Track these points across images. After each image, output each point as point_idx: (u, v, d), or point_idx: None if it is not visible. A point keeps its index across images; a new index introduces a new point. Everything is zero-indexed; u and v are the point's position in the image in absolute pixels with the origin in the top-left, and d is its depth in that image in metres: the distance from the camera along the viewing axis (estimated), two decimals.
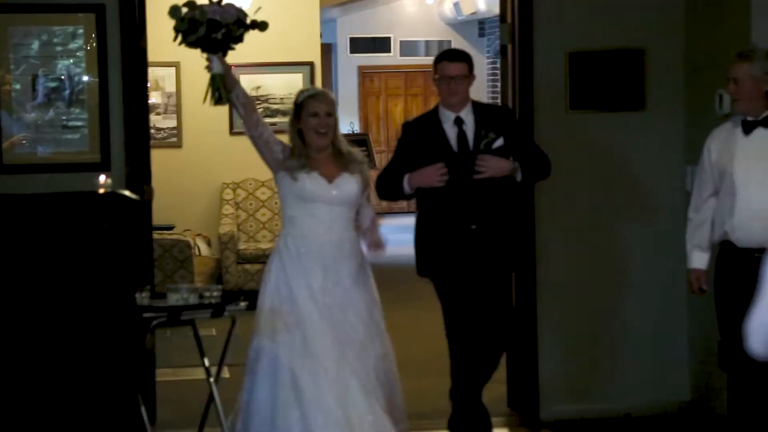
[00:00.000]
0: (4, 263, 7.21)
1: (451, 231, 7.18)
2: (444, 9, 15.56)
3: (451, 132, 7.17)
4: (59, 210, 7.40)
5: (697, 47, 9.26)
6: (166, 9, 10.82)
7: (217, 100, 6.38)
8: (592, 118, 9.35)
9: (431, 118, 7.36)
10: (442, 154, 7.05)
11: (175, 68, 14.15)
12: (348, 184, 6.70)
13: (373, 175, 7.82)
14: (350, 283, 6.80)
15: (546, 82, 9.38)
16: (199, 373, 8.07)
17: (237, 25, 6.39)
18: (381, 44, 16.94)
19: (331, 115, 6.57)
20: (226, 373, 8.17)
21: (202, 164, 14.31)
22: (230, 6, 6.34)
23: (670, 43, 9.52)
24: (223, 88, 6.37)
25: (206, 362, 7.73)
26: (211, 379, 7.90)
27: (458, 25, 15.92)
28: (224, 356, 7.99)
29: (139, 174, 8.82)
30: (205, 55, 6.59)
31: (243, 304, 7.95)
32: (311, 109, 6.51)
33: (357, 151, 6.95)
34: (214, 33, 6.29)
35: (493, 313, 7.31)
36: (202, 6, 6.32)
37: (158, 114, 13.58)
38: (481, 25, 15.83)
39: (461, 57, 7.22)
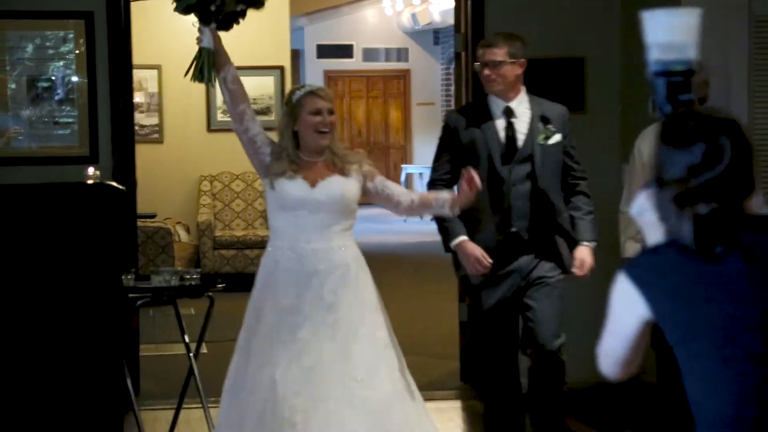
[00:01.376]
0: (5, 246, 7.19)
1: (489, 236, 6.15)
2: (402, 19, 15.60)
3: (498, 120, 6.18)
4: (51, 199, 7.47)
5: (631, 55, 9.21)
6: (150, 15, 10.71)
7: (200, 77, 5.55)
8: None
9: (480, 106, 6.33)
10: (489, 148, 6.09)
11: (157, 70, 14.19)
12: (332, 187, 5.58)
13: None
14: (333, 298, 5.54)
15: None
16: (180, 349, 8.11)
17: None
18: (345, 51, 16.97)
19: (333, 113, 5.59)
20: (204, 349, 8.23)
21: (181, 158, 14.35)
22: None
23: (607, 51, 9.60)
24: (208, 64, 5.51)
25: (186, 339, 7.76)
26: (191, 354, 7.94)
27: (415, 34, 15.95)
28: (203, 334, 8.06)
29: (124, 167, 8.86)
30: (197, 26, 5.62)
31: (220, 286, 8.00)
32: (313, 107, 5.47)
33: (353, 152, 5.90)
34: (209, 2, 5.41)
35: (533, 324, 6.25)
36: None
37: (141, 112, 13.63)
38: (436, 34, 15.86)
39: (498, 41, 6.16)
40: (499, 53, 5.92)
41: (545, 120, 6.02)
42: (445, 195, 5.53)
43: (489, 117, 6.04)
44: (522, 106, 6.09)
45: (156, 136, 14.26)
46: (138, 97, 13.19)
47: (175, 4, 5.55)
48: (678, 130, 2.60)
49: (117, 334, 7.64)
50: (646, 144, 7.31)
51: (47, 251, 7.26)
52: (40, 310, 7.17)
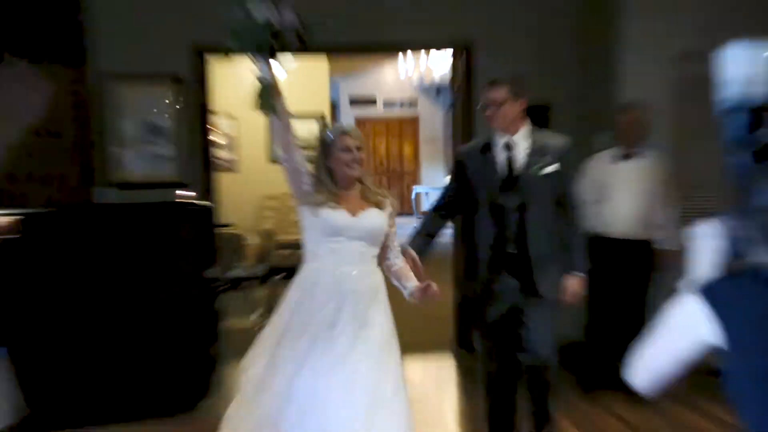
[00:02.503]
0: (130, 247, 7.28)
1: (488, 255, 5.52)
2: (413, 78, 15.64)
3: (500, 153, 5.50)
4: (161, 217, 7.57)
5: (586, 103, 9.09)
6: (228, 81, 10.61)
7: (265, 108, 4.82)
8: None
9: (485, 140, 5.65)
10: (490, 178, 5.48)
11: (237, 121, 14.32)
12: (372, 219, 4.98)
13: None
14: (365, 316, 4.91)
15: (480, 127, 8.90)
16: (250, 323, 7.98)
17: (301, 35, 4.78)
18: (370, 101, 16.99)
19: (361, 149, 4.98)
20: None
21: (251, 183, 14.44)
22: (291, 15, 4.75)
23: (568, 100, 9.28)
24: (270, 95, 4.78)
25: (256, 314, 7.83)
26: (259, 326, 7.94)
27: (422, 89, 16.02)
28: (268, 311, 8.06)
29: (208, 190, 8.94)
30: (256, 62, 4.83)
31: (280, 276, 8.06)
32: (344, 144, 4.90)
33: (382, 188, 5.21)
34: (272, 36, 4.68)
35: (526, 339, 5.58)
36: (271, 6, 4.73)
37: (222, 149, 13.71)
38: (437, 88, 15.87)
39: (500, 82, 5.49)
40: (501, 93, 5.37)
41: (541, 152, 5.39)
42: (411, 286, 4.93)
43: (491, 149, 5.48)
44: (522, 139, 5.44)
45: (234, 167, 14.43)
46: (220, 139, 13.34)
47: (234, 43, 4.74)
48: None
49: (206, 312, 7.77)
50: (598, 167, 7.34)
51: (159, 251, 7.36)
52: (153, 293, 7.27)
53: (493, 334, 5.53)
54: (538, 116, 8.94)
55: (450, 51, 9.73)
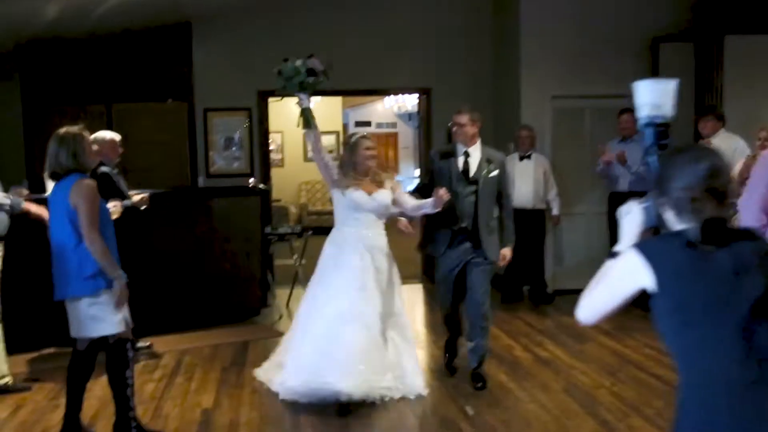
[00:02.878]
0: (219, 213, 7.31)
1: (447, 228, 5.20)
2: (395, 107, 15.54)
3: (460, 159, 5.24)
4: (237, 195, 7.65)
5: (501, 125, 8.81)
6: (277, 111, 10.62)
7: (308, 125, 4.89)
8: None
9: (451, 149, 5.39)
10: (451, 174, 5.22)
11: (281, 133, 14.23)
12: (382, 197, 4.98)
13: None
14: (381, 266, 5.00)
15: (437, 138, 9.01)
16: (292, 261, 8.01)
17: (324, 75, 4.87)
18: (367, 123, 16.89)
19: (374, 149, 5.06)
20: (303, 261, 8.05)
21: (292, 173, 14.43)
22: (318, 63, 4.85)
23: (488, 123, 8.83)
24: (311, 117, 4.91)
25: (295, 256, 7.91)
26: (297, 264, 7.94)
27: (400, 115, 15.90)
28: (302, 254, 8.08)
29: (266, 178, 8.94)
30: (298, 97, 4.96)
31: (311, 232, 8.18)
32: (365, 145, 4.97)
33: (386, 173, 5.34)
34: (309, 77, 4.82)
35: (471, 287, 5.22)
36: (306, 60, 4.84)
37: (274, 152, 13.69)
38: (409, 114, 15.77)
39: (464, 111, 5.27)
40: (464, 119, 5.18)
41: (489, 161, 5.18)
42: (429, 201, 4.87)
43: (454, 155, 5.24)
44: (476, 151, 5.22)
45: (281, 164, 14.35)
46: (273, 146, 13.33)
47: (287, 83, 4.89)
48: (686, 153, 2.07)
49: (264, 254, 7.89)
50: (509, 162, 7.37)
51: (239, 216, 7.40)
52: (233, 241, 7.29)
53: (448, 283, 5.24)
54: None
55: (416, 93, 9.72)
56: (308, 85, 4.81)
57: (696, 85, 7.97)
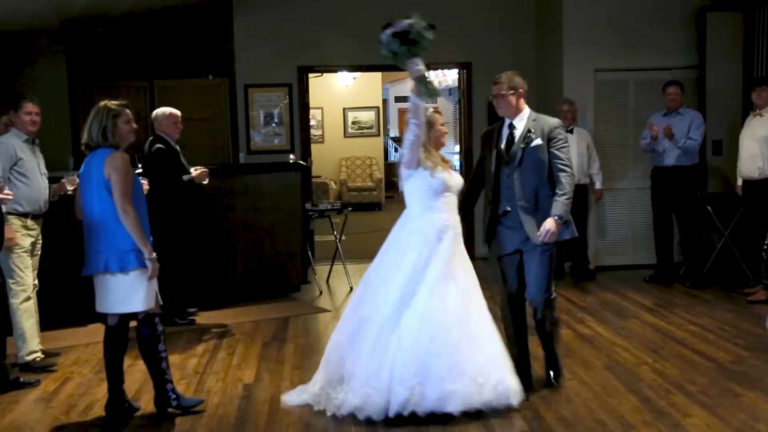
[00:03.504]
0: (261, 188, 7.29)
1: (492, 213, 4.57)
2: (435, 82, 15.43)
3: (504, 133, 4.54)
4: (277, 171, 7.62)
5: (543, 99, 8.67)
6: (317, 87, 10.58)
7: (430, 95, 4.17)
8: None
9: (497, 126, 4.67)
10: (496, 151, 4.53)
11: (321, 109, 14.26)
12: (457, 176, 4.43)
13: None
14: (463, 251, 4.40)
15: (478, 114, 9.07)
16: (331, 237, 8.04)
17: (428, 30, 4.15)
18: (406, 99, 16.73)
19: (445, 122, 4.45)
20: (343, 237, 8.15)
21: (332, 150, 14.41)
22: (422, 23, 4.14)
23: (531, 97, 8.93)
24: (429, 85, 4.18)
25: (335, 232, 7.92)
26: (338, 240, 7.95)
27: (441, 90, 15.84)
28: (342, 229, 8.11)
29: (305, 154, 8.94)
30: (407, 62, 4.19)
31: (350, 208, 8.20)
32: (441, 120, 4.45)
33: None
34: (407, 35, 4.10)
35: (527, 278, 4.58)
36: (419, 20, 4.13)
37: (314, 128, 13.71)
38: (450, 90, 15.61)
39: (497, 81, 4.57)
40: (501, 88, 4.49)
41: (530, 131, 4.41)
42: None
43: (499, 131, 4.56)
44: (521, 121, 4.48)
45: (321, 140, 14.37)
46: (313, 122, 13.37)
47: (401, 51, 4.12)
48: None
49: (305, 230, 7.91)
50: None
51: (279, 191, 7.38)
52: (274, 215, 7.32)
53: (502, 268, 4.63)
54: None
55: (456, 69, 9.62)
56: (421, 48, 4.11)
57: (744, 54, 7.82)
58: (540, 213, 4.40)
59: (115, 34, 9.03)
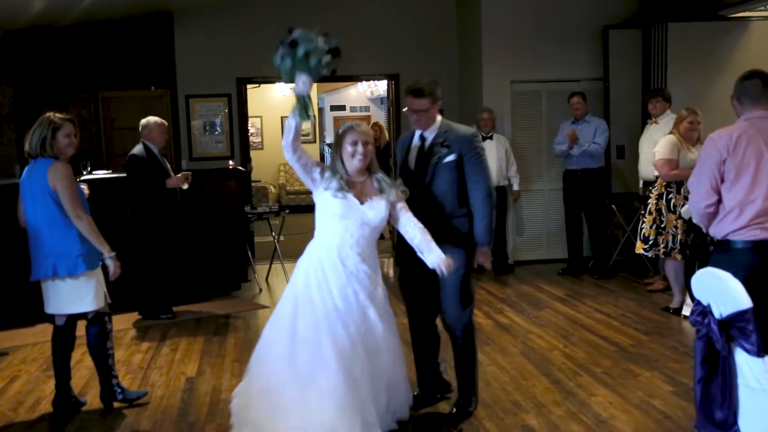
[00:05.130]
0: (202, 193, 6.97)
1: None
2: (367, 92, 15.39)
3: (414, 146, 3.89)
4: (219, 176, 7.53)
5: (463, 107, 8.82)
6: (255, 97, 10.48)
7: (305, 117, 3.49)
8: None
9: (410, 134, 3.99)
10: (406, 164, 3.91)
11: (260, 118, 14.10)
12: (378, 207, 3.58)
13: None
14: (365, 295, 3.53)
15: (406, 122, 8.70)
16: (270, 238, 7.93)
17: (332, 54, 3.54)
18: (342, 108, 16.70)
19: (368, 144, 3.60)
20: (281, 238, 8.14)
21: (271, 155, 14.25)
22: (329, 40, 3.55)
23: (452, 105, 8.78)
24: (307, 106, 3.49)
25: (273, 234, 7.89)
26: (276, 241, 7.88)
27: (373, 99, 15.80)
28: (280, 231, 8.08)
29: (245, 160, 8.85)
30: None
31: (288, 211, 8.16)
32: (351, 138, 3.57)
33: (387, 178, 3.70)
34: (327, 57, 3.51)
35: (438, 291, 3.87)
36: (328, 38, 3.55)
37: (253, 136, 13.57)
38: (381, 98, 15.59)
39: (420, 95, 3.79)
40: (423, 104, 3.78)
41: (441, 144, 3.75)
42: (433, 260, 3.51)
43: (412, 141, 3.91)
44: (432, 133, 3.80)
45: (260, 146, 14.21)
46: (253, 130, 13.23)
47: (285, 69, 3.50)
48: None
49: (244, 232, 7.84)
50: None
51: (220, 196, 7.27)
52: (214, 219, 7.19)
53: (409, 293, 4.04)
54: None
55: (386, 80, 9.67)
56: (323, 66, 3.49)
57: (643, 68, 8.04)
58: (445, 236, 3.72)
59: (59, 46, 8.81)
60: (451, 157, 3.77)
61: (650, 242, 5.97)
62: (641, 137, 7.05)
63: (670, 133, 5.99)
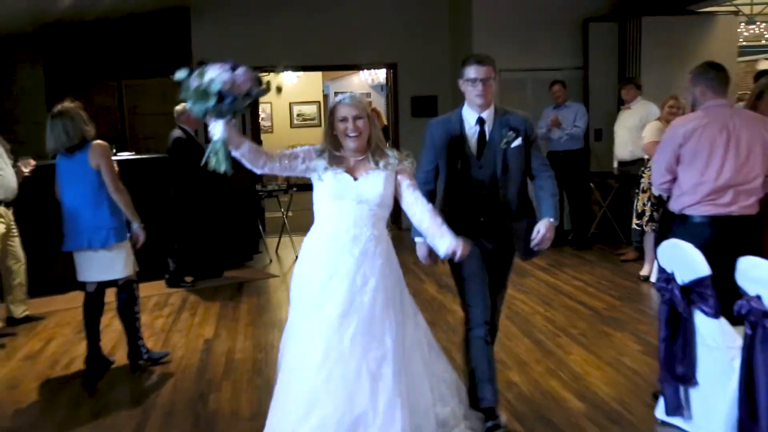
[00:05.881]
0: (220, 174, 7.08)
1: (466, 220, 3.17)
2: (369, 80, 15.28)
3: (471, 131, 3.19)
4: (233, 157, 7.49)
5: (458, 95, 8.82)
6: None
7: (218, 166, 2.73)
8: (423, 121, 8.23)
9: (456, 118, 3.25)
10: (462, 152, 3.18)
11: (270, 103, 14.05)
12: (373, 182, 2.89)
13: None
14: (376, 280, 2.83)
15: (404, 108, 9.08)
16: (279, 214, 7.91)
17: (247, 97, 2.74)
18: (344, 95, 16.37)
19: (361, 118, 2.90)
20: (289, 214, 8.08)
21: (280, 138, 14.15)
22: (245, 77, 2.71)
23: (447, 93, 8.93)
24: (225, 154, 2.72)
25: (282, 209, 7.92)
26: (284, 216, 7.88)
27: (373, 86, 15.67)
28: (288, 207, 8.02)
29: (257, 142, 8.79)
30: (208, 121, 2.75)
31: (295, 189, 8.17)
32: (340, 114, 2.90)
33: (393, 151, 3.00)
34: (223, 103, 2.66)
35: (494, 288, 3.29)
36: (214, 75, 2.67)
37: (264, 120, 13.54)
38: (381, 85, 15.45)
39: (488, 60, 3.15)
40: (490, 71, 3.13)
41: (506, 128, 3.14)
42: (446, 242, 2.82)
43: (461, 126, 3.19)
44: (490, 118, 3.17)
45: (270, 130, 14.19)
46: (263, 115, 13.20)
47: (192, 107, 2.69)
48: None
49: (256, 208, 7.87)
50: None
51: (235, 175, 7.29)
52: (230, 196, 7.10)
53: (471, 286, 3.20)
54: (431, 104, 8.92)
55: (384, 68, 9.66)
56: (221, 111, 2.67)
57: (619, 58, 8.05)
58: (521, 219, 3.24)
59: (87, 38, 8.79)
60: (518, 141, 3.19)
61: (645, 217, 5.90)
62: (616, 122, 7.06)
63: (657, 119, 5.95)
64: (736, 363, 2.93)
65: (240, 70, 2.64)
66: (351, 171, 2.92)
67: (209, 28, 8.67)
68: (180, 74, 2.68)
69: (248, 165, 2.86)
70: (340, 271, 2.82)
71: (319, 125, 14.84)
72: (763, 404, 2.87)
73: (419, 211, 2.94)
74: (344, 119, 2.90)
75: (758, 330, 2.79)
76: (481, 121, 3.19)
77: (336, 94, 17.09)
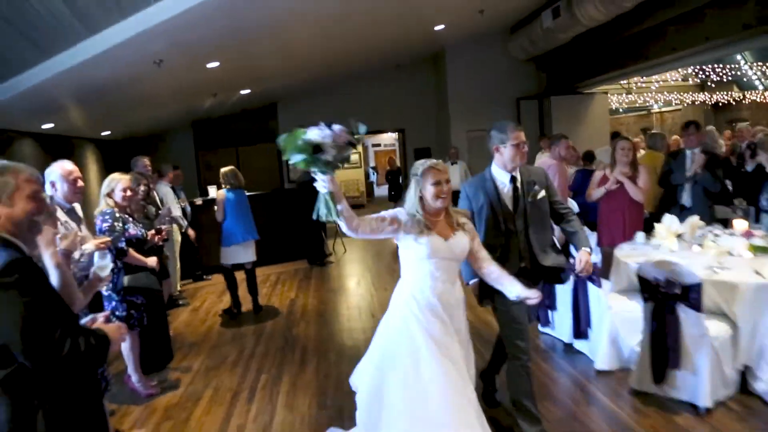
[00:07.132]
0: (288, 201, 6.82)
1: (510, 267, 2.41)
2: (393, 135, 13.06)
3: (506, 189, 2.55)
4: (305, 188, 6.40)
5: (443, 147, 8.69)
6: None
7: (328, 216, 1.99)
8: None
9: (489, 177, 2.58)
10: (500, 207, 2.54)
11: None
12: (461, 241, 2.23)
13: None
14: (460, 326, 2.23)
15: (409, 155, 8.97)
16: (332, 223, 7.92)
17: (348, 146, 1.99)
18: (378, 145, 14.45)
19: (448, 182, 2.24)
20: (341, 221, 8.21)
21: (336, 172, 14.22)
22: (341, 131, 1.97)
23: (436, 145, 9.07)
24: (333, 205, 1.99)
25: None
26: (337, 226, 6.92)
27: (397, 139, 14.03)
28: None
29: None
30: (319, 176, 2.00)
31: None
32: (433, 179, 2.21)
33: (460, 212, 2.34)
34: (321, 155, 1.94)
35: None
36: (322, 136, 1.96)
37: None
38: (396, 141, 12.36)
39: (520, 127, 2.59)
40: (523, 135, 2.57)
41: (532, 183, 2.55)
42: (516, 291, 2.27)
43: (494, 184, 2.58)
44: (517, 173, 2.57)
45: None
46: None
47: (294, 161, 1.99)
48: None
49: (321, 220, 7.67)
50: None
51: (306, 201, 6.58)
52: (306, 215, 6.69)
53: (515, 315, 2.53)
54: (427, 152, 8.96)
55: (396, 132, 9.84)
56: (325, 164, 2.02)
57: (539, 125, 8.46)
58: (550, 254, 2.63)
59: (217, 125, 9.30)
60: (543, 193, 2.60)
61: None
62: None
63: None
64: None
65: (336, 127, 2.03)
66: (440, 233, 2.25)
67: (290, 114, 9.26)
68: (282, 136, 2.04)
69: (344, 225, 2.11)
70: (445, 322, 2.18)
71: (360, 167, 14.61)
72: (583, 319, 3.28)
73: (489, 263, 2.35)
74: (438, 183, 2.24)
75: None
76: (514, 179, 2.58)
77: (373, 144, 16.67)
